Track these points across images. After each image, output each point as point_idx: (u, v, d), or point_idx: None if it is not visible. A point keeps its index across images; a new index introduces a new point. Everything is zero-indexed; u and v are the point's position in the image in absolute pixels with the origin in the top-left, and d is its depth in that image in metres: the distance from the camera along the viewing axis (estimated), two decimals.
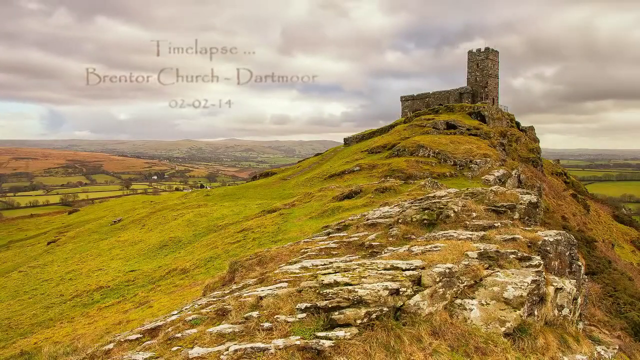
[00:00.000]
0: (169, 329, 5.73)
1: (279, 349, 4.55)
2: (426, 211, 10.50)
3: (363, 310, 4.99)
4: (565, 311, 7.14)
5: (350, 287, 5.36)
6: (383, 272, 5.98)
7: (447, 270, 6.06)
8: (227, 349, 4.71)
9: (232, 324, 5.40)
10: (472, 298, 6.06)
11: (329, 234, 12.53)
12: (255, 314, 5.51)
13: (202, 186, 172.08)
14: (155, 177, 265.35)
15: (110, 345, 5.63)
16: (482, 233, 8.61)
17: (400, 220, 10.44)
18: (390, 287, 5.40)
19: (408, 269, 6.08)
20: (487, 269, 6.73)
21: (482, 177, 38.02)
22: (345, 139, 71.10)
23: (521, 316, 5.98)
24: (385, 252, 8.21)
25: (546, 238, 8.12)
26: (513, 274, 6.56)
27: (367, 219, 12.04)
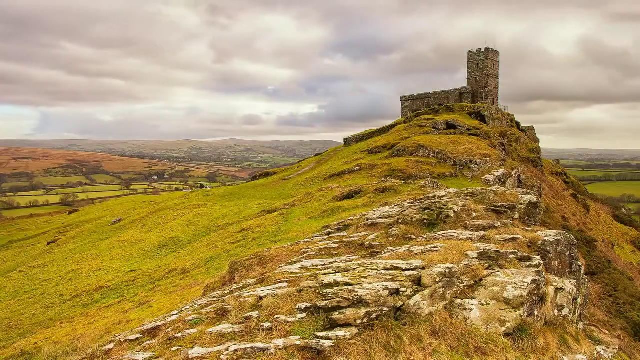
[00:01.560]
0: (169, 329, 5.73)
1: (279, 349, 4.55)
2: (426, 211, 10.49)
3: (363, 310, 4.99)
4: (565, 311, 7.14)
5: (350, 287, 5.36)
6: (383, 272, 5.98)
7: (447, 270, 6.06)
8: (227, 349, 4.71)
9: (232, 324, 5.39)
10: (472, 298, 6.06)
11: (329, 234, 12.52)
12: (255, 314, 5.51)
13: (202, 186, 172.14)
14: (155, 177, 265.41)
15: (110, 345, 5.63)
16: (482, 233, 8.61)
17: (400, 220, 10.44)
18: (390, 287, 5.40)
19: (408, 269, 6.07)
20: (487, 269, 6.73)
21: (482, 177, 38.02)
22: (345, 139, 71.12)
23: (521, 316, 5.98)
24: (385, 252, 8.21)
25: (546, 238, 8.12)
26: (513, 274, 6.56)
27: (367, 219, 12.04)
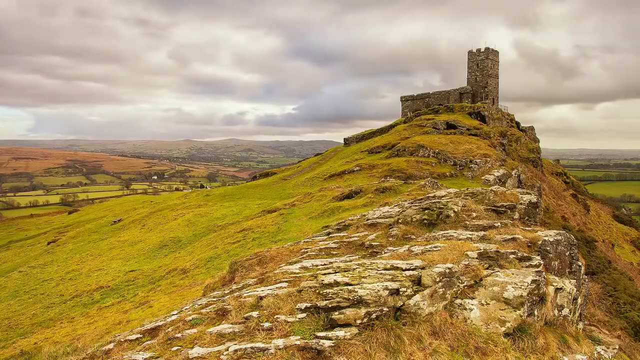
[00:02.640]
0: (169, 329, 5.73)
1: (279, 349, 4.55)
2: (426, 211, 10.50)
3: (363, 310, 4.99)
4: (565, 311, 7.14)
5: (350, 287, 5.36)
6: (383, 272, 5.98)
7: (447, 270, 6.06)
8: (227, 349, 4.71)
9: (232, 324, 5.40)
10: (472, 298, 6.06)
11: (329, 234, 12.52)
12: (255, 314, 5.51)
13: (202, 186, 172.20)
14: (155, 177, 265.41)
15: (110, 345, 5.63)
16: (482, 233, 8.61)
17: (400, 220, 10.43)
18: (390, 287, 5.40)
19: (408, 269, 6.08)
20: (487, 269, 6.73)
21: (482, 177, 38.02)
22: (345, 139, 71.13)
23: (521, 316, 5.98)
24: (385, 252, 8.21)
25: (546, 238, 8.12)
26: (513, 274, 6.56)
27: (367, 219, 12.04)
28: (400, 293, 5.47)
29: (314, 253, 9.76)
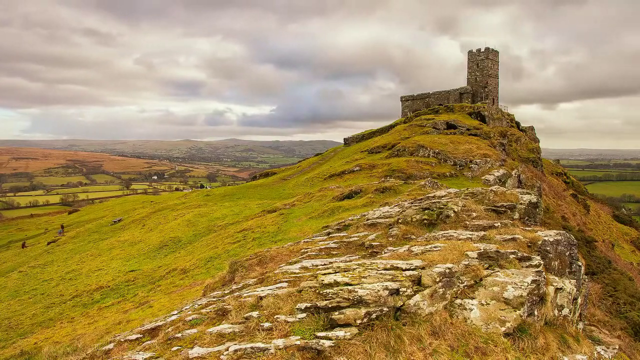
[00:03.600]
0: (169, 329, 5.73)
1: (279, 349, 4.55)
2: (426, 211, 10.49)
3: (363, 310, 4.99)
4: (565, 311, 7.14)
5: (350, 287, 5.36)
6: (383, 272, 5.98)
7: (447, 270, 6.06)
8: (227, 349, 4.71)
9: (232, 324, 5.40)
10: (472, 298, 6.06)
11: (329, 234, 12.52)
12: (255, 314, 5.51)
13: (202, 186, 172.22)
14: (155, 177, 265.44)
15: (110, 345, 5.63)
16: (482, 233, 8.61)
17: (400, 220, 10.43)
18: (390, 287, 5.40)
19: (408, 269, 6.07)
20: (487, 269, 6.73)
21: (482, 177, 38.01)
22: (345, 139, 71.14)
23: (521, 316, 5.98)
24: (385, 252, 8.21)
25: (546, 238, 8.12)
26: (513, 274, 6.56)
27: (367, 219, 12.04)
28: (400, 293, 5.47)
29: (314, 253, 9.76)
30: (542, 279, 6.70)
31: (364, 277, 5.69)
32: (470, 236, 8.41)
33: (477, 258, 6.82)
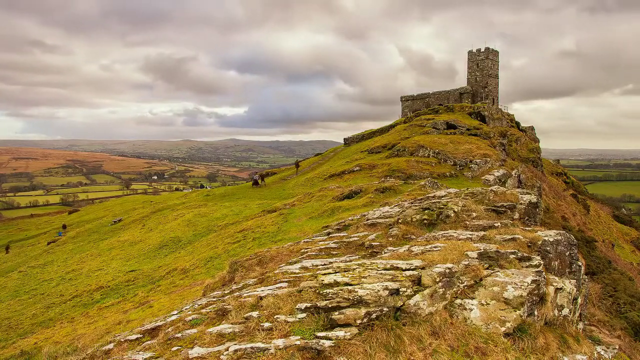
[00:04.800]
0: (169, 329, 5.73)
1: (279, 349, 4.55)
2: (426, 211, 10.49)
3: (363, 310, 4.99)
4: (565, 311, 7.14)
5: (350, 287, 5.36)
6: (383, 272, 5.98)
7: (447, 270, 6.06)
8: (227, 349, 4.71)
9: (232, 324, 5.40)
10: (472, 298, 6.06)
11: (329, 234, 12.53)
12: (255, 314, 5.51)
13: (202, 186, 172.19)
14: (155, 177, 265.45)
15: (110, 345, 5.63)
16: (482, 233, 8.61)
17: (400, 220, 10.43)
18: (390, 287, 5.40)
19: (408, 269, 6.07)
20: (487, 269, 6.73)
21: (482, 177, 38.00)
22: (345, 139, 71.13)
23: (521, 316, 5.98)
24: (385, 252, 8.21)
25: (546, 238, 8.12)
26: (513, 274, 6.56)
27: (367, 219, 12.04)
28: (400, 293, 5.47)
29: (314, 253, 9.76)
30: (542, 279, 6.70)
31: (364, 277, 5.69)
32: (470, 236, 8.41)
33: (477, 258, 6.82)
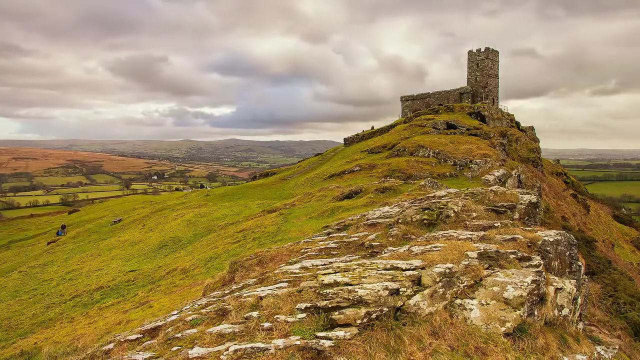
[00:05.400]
0: (169, 329, 5.73)
1: (279, 349, 4.55)
2: (426, 211, 10.49)
3: (363, 310, 4.99)
4: (565, 311, 7.14)
5: (350, 287, 5.35)
6: (383, 272, 5.98)
7: (447, 270, 6.06)
8: (227, 349, 4.71)
9: (232, 324, 5.40)
10: (472, 298, 6.06)
11: (329, 234, 12.52)
12: (255, 314, 5.51)
13: (202, 186, 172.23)
14: (155, 177, 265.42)
15: (110, 345, 5.63)
16: (482, 233, 8.61)
17: (400, 220, 10.43)
18: (390, 287, 5.40)
19: (408, 269, 6.07)
20: (487, 269, 6.73)
21: (482, 177, 38.00)
22: (345, 139, 71.13)
23: (521, 316, 5.98)
24: (385, 252, 8.21)
25: (546, 238, 8.12)
26: (513, 274, 6.56)
27: (367, 219, 12.04)
28: (400, 293, 5.47)
29: (314, 253, 9.76)
30: (542, 279, 6.70)
31: (364, 277, 5.69)
32: (470, 236, 8.41)
33: (477, 258, 6.82)
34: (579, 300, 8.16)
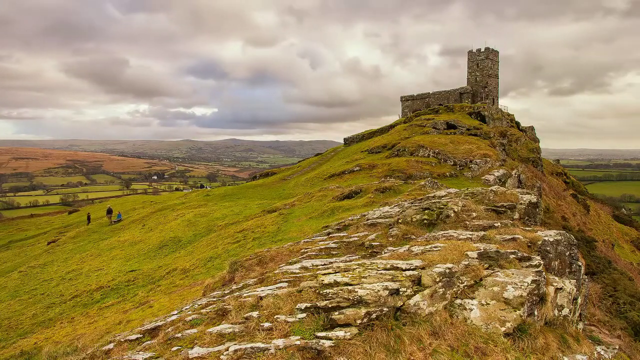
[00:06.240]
0: (169, 329, 5.73)
1: (279, 349, 4.55)
2: (426, 211, 10.49)
3: (363, 310, 4.99)
4: (565, 311, 7.14)
5: (350, 287, 5.35)
6: (383, 272, 5.98)
7: (447, 270, 6.06)
8: (227, 349, 4.71)
9: (232, 324, 5.40)
10: (472, 298, 6.06)
11: (329, 234, 12.52)
12: (255, 314, 5.51)
13: (202, 186, 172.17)
14: (155, 177, 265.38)
15: (110, 345, 5.63)
16: (482, 233, 8.61)
17: (400, 220, 10.43)
18: (390, 287, 5.40)
19: (408, 269, 6.07)
20: (487, 269, 6.73)
21: (482, 177, 38.00)
22: (345, 139, 71.15)
23: (521, 316, 5.98)
24: (385, 252, 8.21)
25: (546, 238, 8.12)
26: (513, 274, 6.56)
27: (367, 219, 12.04)
28: (400, 293, 5.47)
29: (314, 253, 9.76)
30: (542, 279, 6.70)
31: (364, 277, 5.69)
32: (470, 236, 8.41)
33: (477, 258, 6.82)
34: (579, 300, 8.16)
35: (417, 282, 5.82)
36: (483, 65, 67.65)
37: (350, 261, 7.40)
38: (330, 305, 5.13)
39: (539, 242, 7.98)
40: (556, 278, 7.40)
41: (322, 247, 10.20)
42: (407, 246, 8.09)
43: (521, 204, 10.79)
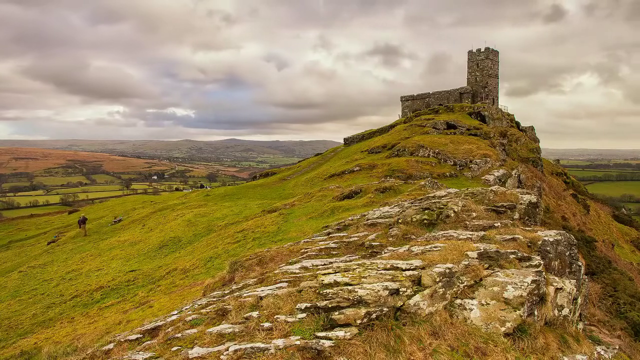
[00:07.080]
0: (169, 329, 5.73)
1: (279, 349, 4.55)
2: (426, 211, 10.49)
3: (363, 310, 4.99)
4: (565, 311, 7.14)
5: (350, 287, 5.35)
6: (383, 272, 5.98)
7: (447, 270, 6.06)
8: (227, 349, 4.71)
9: (232, 324, 5.39)
10: (472, 298, 6.06)
11: (329, 234, 12.52)
12: (255, 314, 5.51)
13: (202, 186, 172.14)
14: (155, 177, 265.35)
15: (110, 345, 5.63)
16: (482, 233, 8.61)
17: (400, 220, 10.43)
18: (390, 287, 5.40)
19: (408, 269, 6.07)
20: (487, 269, 6.72)
21: (482, 177, 38.00)
22: (345, 139, 71.17)
23: (521, 316, 5.98)
24: (385, 252, 8.21)
25: (546, 238, 8.12)
26: (513, 274, 6.56)
27: (367, 219, 12.04)
28: (400, 293, 5.47)
29: (314, 253, 9.76)
30: (542, 279, 6.70)
31: (364, 277, 5.69)
32: (470, 236, 8.41)
33: (477, 258, 6.82)
34: (579, 300, 8.16)
35: (417, 282, 5.82)
36: (483, 65, 67.67)
37: (350, 261, 7.40)
38: (330, 305, 5.13)
39: (539, 242, 7.97)
40: (556, 278, 7.40)
41: (322, 247, 10.20)
42: (407, 246, 8.09)
43: (521, 204, 10.79)
